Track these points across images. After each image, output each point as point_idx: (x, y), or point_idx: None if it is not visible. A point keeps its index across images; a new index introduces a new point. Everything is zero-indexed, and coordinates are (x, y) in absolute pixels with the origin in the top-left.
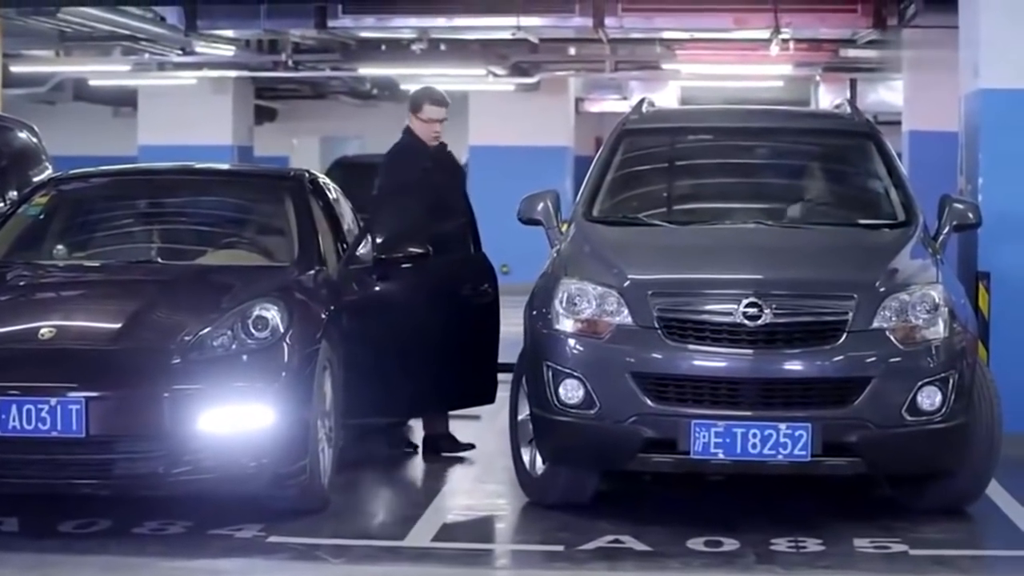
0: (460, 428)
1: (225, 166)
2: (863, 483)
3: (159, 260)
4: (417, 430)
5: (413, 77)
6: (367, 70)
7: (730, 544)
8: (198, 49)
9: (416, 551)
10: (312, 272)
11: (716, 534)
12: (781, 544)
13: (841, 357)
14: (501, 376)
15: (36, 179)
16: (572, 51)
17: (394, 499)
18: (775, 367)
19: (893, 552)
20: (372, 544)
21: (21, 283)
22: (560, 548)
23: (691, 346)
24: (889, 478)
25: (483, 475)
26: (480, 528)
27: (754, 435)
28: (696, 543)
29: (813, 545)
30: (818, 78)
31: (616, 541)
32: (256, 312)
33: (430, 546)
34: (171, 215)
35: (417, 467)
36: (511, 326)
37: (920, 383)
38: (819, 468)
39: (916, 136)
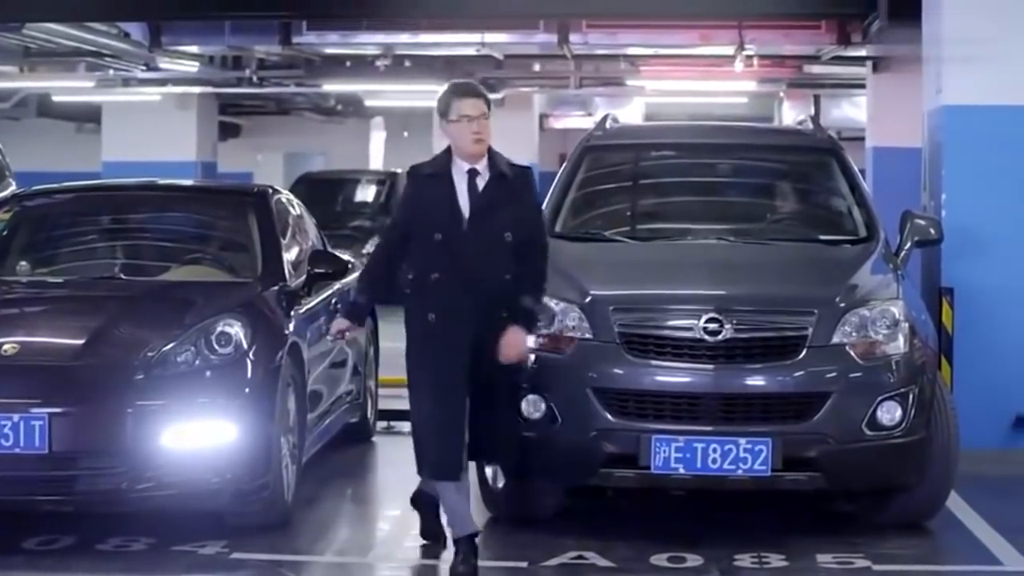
0: None
1: (189, 182)
2: (825, 498)
3: (123, 276)
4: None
5: (377, 93)
6: (331, 86)
7: (694, 560)
8: (162, 65)
9: (379, 568)
10: (275, 288)
11: (680, 550)
12: (745, 560)
13: (801, 372)
14: None
15: None
16: (537, 67)
17: (358, 516)
18: (735, 382)
19: (856, 567)
20: (335, 561)
21: None
22: (524, 564)
23: (652, 361)
24: (849, 493)
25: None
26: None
27: (714, 450)
28: (660, 559)
29: (776, 561)
30: (782, 94)
31: (580, 557)
32: (219, 328)
33: (393, 563)
34: (135, 231)
35: (381, 484)
36: None
37: (880, 398)
38: (779, 483)
39: (879, 152)
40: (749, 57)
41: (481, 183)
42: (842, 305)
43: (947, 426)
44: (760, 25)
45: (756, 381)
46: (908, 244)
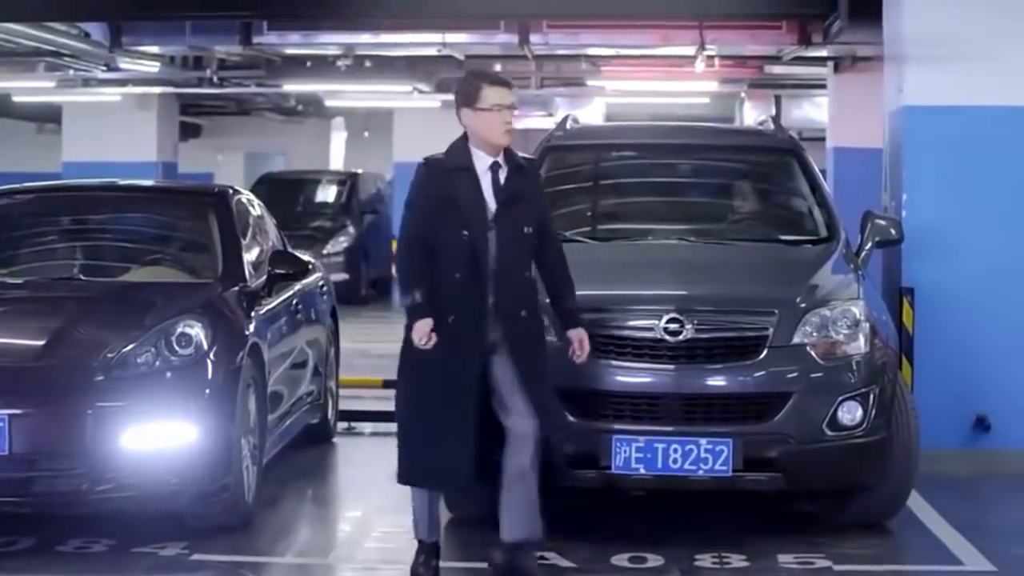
0: (384, 446)
1: (149, 182)
2: (787, 498)
3: (83, 277)
4: None
5: (338, 93)
6: (292, 86)
7: (655, 560)
8: (123, 65)
9: (340, 569)
10: (236, 289)
11: (641, 550)
12: (706, 560)
13: (762, 372)
14: None
15: None
16: (498, 67)
17: (319, 517)
18: (696, 382)
19: (817, 567)
20: (296, 562)
21: None
22: (484, 565)
23: (613, 362)
24: (810, 493)
25: (408, 493)
26: (404, 546)
27: (675, 450)
28: (620, 559)
29: (737, 561)
30: (743, 95)
31: (540, 558)
32: (180, 329)
33: (354, 564)
34: (95, 232)
35: (342, 485)
36: None
37: (841, 398)
38: (740, 483)
39: (840, 152)
40: (710, 57)
41: (502, 176)
42: (803, 305)
43: (908, 426)
44: (721, 25)
45: (717, 381)
46: (869, 244)
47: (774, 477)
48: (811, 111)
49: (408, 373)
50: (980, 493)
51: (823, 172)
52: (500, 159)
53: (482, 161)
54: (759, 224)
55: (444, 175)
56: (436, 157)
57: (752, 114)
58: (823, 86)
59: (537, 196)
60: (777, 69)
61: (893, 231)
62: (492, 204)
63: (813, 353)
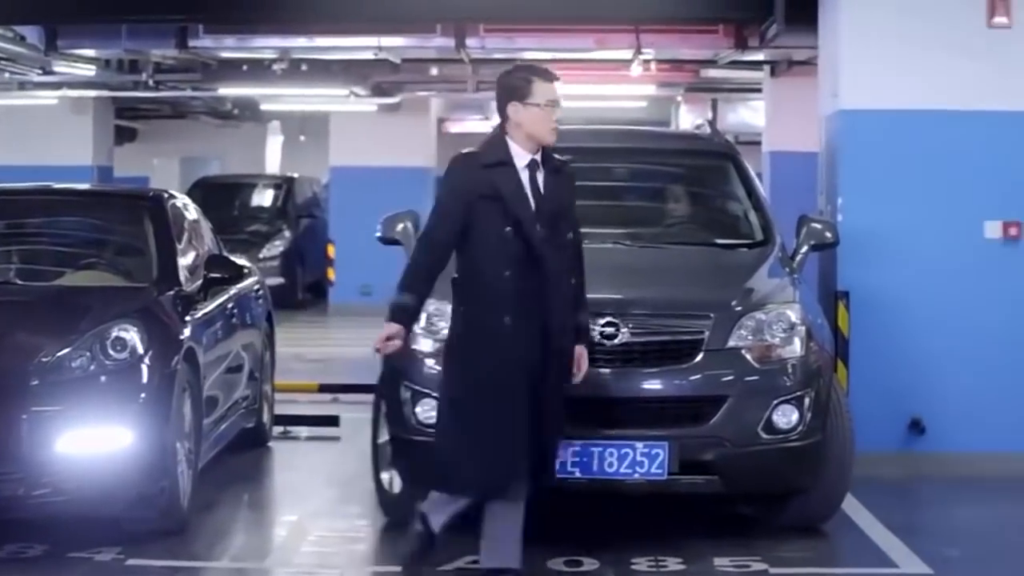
0: (320, 450)
1: (84, 186)
2: (723, 501)
3: (18, 281)
4: None
5: (274, 97)
6: (228, 90)
7: (590, 564)
8: (58, 69)
9: (276, 573)
10: (171, 293)
11: (576, 554)
12: (641, 563)
13: (697, 376)
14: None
15: None
16: (434, 71)
17: (255, 521)
18: (632, 386)
19: (753, 570)
20: (232, 567)
21: None
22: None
23: None
24: (746, 496)
25: (344, 497)
26: (340, 550)
27: (611, 454)
28: (556, 563)
29: (673, 564)
30: (679, 98)
31: (475, 562)
32: (115, 333)
33: (290, 569)
34: (30, 236)
35: (278, 489)
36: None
37: (776, 401)
38: (676, 486)
39: (776, 156)
40: (647, 61)
41: (540, 176)
42: (738, 309)
43: (843, 429)
44: (657, 29)
45: (652, 385)
46: (804, 248)
47: (710, 480)
48: (747, 115)
49: (459, 379)
50: (915, 495)
51: (759, 176)
52: (537, 157)
53: (521, 158)
54: (695, 228)
55: (482, 170)
56: (470, 152)
57: (688, 118)
58: (759, 90)
59: (573, 201)
60: (713, 73)
61: (828, 234)
62: (532, 203)
63: (749, 356)
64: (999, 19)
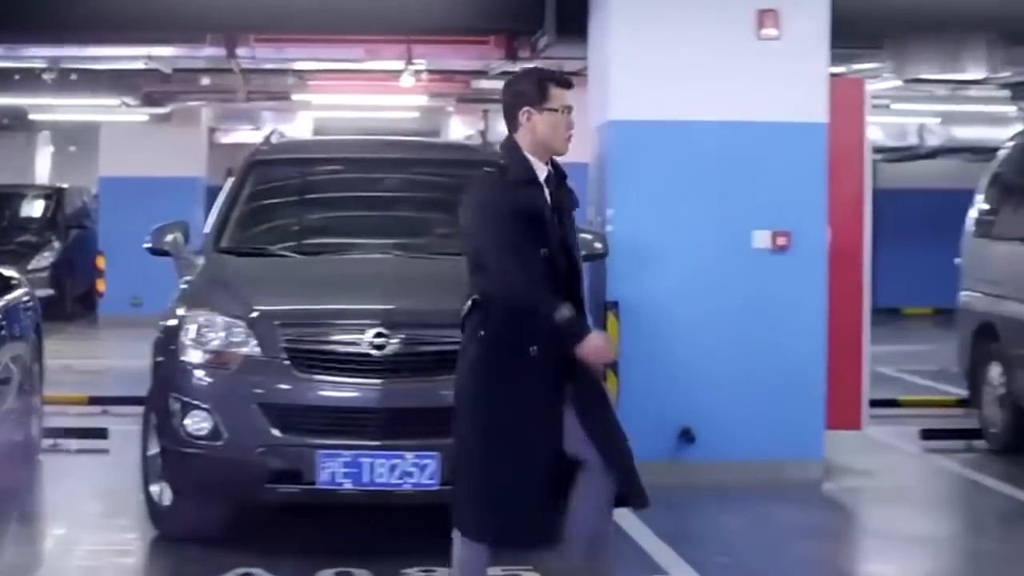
0: (89, 462)
1: None
2: None
3: None
4: None
5: (44, 107)
6: None
7: (360, 574)
8: None
9: None
10: None
11: (347, 564)
12: (412, 572)
13: None
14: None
15: None
16: (205, 81)
17: (23, 535)
18: (402, 396)
19: None
20: None
21: None
22: None
23: (319, 376)
24: None
25: (114, 510)
26: (109, 564)
27: (381, 464)
28: (326, 574)
29: (442, 572)
30: (451, 109)
31: (247, 574)
32: None
33: None
34: None
35: (47, 502)
36: (144, 359)
37: None
38: (446, 496)
39: None
40: (418, 72)
41: (552, 187)
42: None
43: None
44: (428, 40)
45: (422, 395)
46: None
47: None
48: None
49: (483, 414)
50: (685, 503)
51: None
52: (550, 169)
53: (540, 172)
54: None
55: (516, 189)
56: (496, 170)
57: (460, 129)
58: None
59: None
60: (485, 84)
61: (598, 245)
62: (556, 219)
63: None
64: (767, 31)
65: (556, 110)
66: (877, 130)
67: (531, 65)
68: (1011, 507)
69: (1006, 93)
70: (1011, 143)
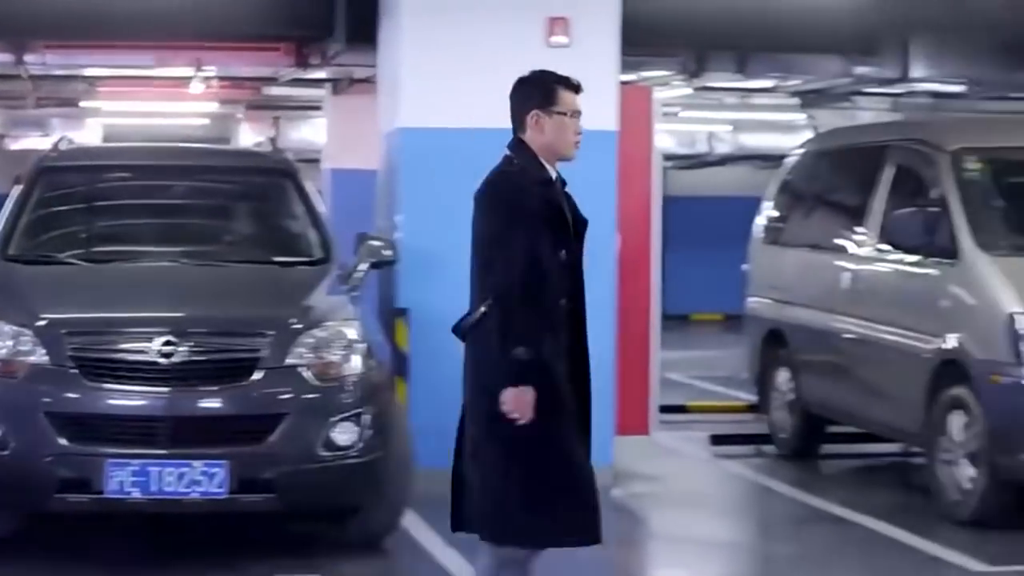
0: None
1: None
2: (287, 517)
3: None
4: None
5: None
6: None
7: None
8: None
9: None
10: None
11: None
12: None
13: (255, 394)
14: None
15: None
16: None
17: None
18: (190, 405)
19: None
20: None
21: None
22: None
23: (107, 385)
24: (308, 513)
25: None
26: None
27: (170, 473)
28: None
29: None
30: (240, 116)
31: None
32: None
33: None
34: None
35: None
36: None
37: (335, 419)
38: (236, 504)
39: (337, 174)
40: (208, 79)
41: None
42: (297, 326)
43: (402, 445)
44: (217, 47)
45: (211, 403)
46: (363, 265)
47: (269, 498)
48: (310, 133)
49: (519, 427)
50: None
51: (320, 193)
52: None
53: (552, 174)
54: (254, 246)
55: (537, 190)
56: (518, 169)
57: (250, 136)
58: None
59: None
60: (276, 91)
61: (387, 252)
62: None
63: (307, 374)
64: (558, 38)
65: (564, 114)
66: (667, 137)
67: (539, 69)
68: (800, 511)
69: (796, 101)
70: (800, 151)
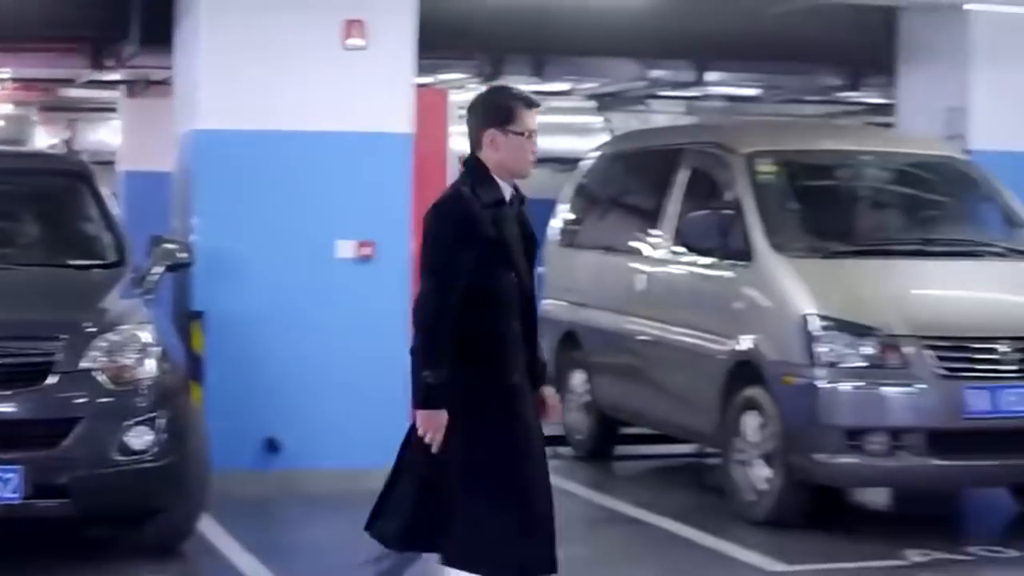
0: None
1: None
2: (84, 522)
3: None
4: None
5: None
6: None
7: None
8: None
9: None
10: None
11: None
12: None
13: (49, 398)
14: None
15: None
16: None
17: None
18: None
19: None
20: None
21: None
22: None
23: None
24: (103, 517)
25: None
26: None
27: None
28: None
29: None
30: (35, 117)
31: None
32: None
33: None
34: None
35: None
36: None
37: (130, 423)
38: (31, 510)
39: (132, 176)
40: (2, 80)
41: (515, 209)
42: (91, 330)
43: (199, 448)
44: (10, 48)
45: (4, 408)
46: (158, 268)
47: (64, 503)
48: (107, 135)
49: (481, 451)
50: (272, 513)
51: (115, 196)
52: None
53: (506, 193)
54: (47, 249)
55: (485, 210)
56: (465, 190)
57: (46, 138)
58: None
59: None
60: (72, 92)
61: (182, 255)
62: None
63: (101, 378)
64: (354, 41)
65: (522, 134)
66: (462, 140)
67: (499, 83)
68: (595, 512)
69: (592, 104)
70: (595, 153)
